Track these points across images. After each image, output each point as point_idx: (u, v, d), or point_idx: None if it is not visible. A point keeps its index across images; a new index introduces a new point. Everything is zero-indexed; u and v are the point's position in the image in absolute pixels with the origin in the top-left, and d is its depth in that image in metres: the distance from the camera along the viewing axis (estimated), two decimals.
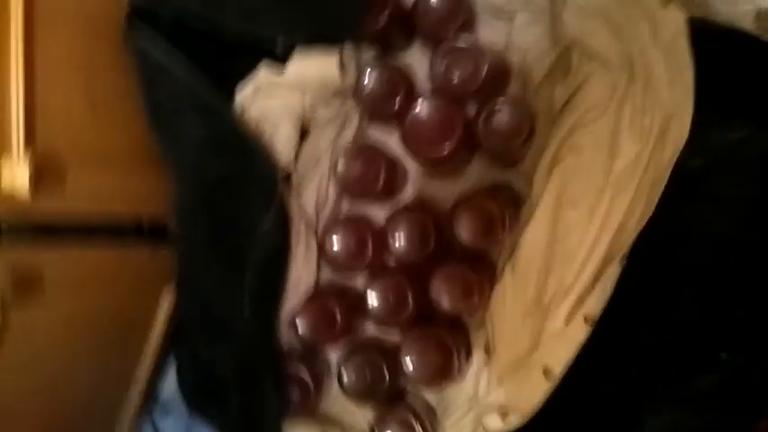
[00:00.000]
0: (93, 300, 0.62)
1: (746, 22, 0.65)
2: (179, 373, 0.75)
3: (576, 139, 0.64)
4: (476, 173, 0.74)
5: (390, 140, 0.74)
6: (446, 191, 0.76)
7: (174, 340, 0.76)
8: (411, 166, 0.75)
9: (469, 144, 0.68)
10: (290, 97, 0.70)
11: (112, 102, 0.60)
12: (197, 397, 0.73)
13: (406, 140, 0.67)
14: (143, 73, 0.60)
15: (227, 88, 0.67)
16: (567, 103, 0.66)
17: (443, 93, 0.67)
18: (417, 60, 0.76)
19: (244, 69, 0.68)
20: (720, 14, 0.65)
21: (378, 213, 0.75)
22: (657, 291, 0.65)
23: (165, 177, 0.65)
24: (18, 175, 0.50)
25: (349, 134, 0.74)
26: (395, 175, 0.72)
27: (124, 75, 0.60)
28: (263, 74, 0.69)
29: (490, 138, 0.65)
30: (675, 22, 0.63)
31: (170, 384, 0.79)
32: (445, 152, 0.66)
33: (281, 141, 0.71)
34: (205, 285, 0.67)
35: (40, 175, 0.50)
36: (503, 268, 0.68)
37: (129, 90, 0.61)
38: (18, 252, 0.54)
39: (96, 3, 0.57)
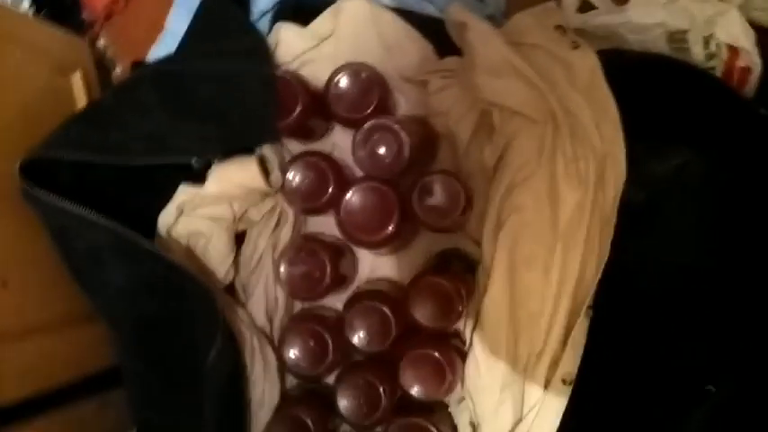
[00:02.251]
0: None
1: (660, 45, 0.64)
2: None
3: (516, 198, 0.62)
4: (423, 243, 0.72)
5: (332, 226, 0.71)
6: (399, 266, 0.73)
7: None
8: (359, 249, 0.72)
9: (410, 218, 0.65)
10: (216, 208, 0.67)
11: (25, 269, 0.56)
12: None
13: (344, 230, 0.65)
14: (52, 230, 0.56)
15: (146, 217, 0.64)
16: (498, 161, 0.64)
17: (372, 176, 0.64)
18: (342, 138, 0.73)
19: (160, 192, 0.65)
20: (632, 43, 0.64)
21: (334, 303, 0.72)
22: (630, 334, 0.63)
23: (101, 325, 0.61)
24: None
25: (287, 231, 0.71)
26: (343, 264, 0.69)
27: (34, 237, 0.56)
28: (183, 192, 0.66)
29: (428, 217, 0.62)
30: (589, 62, 0.61)
31: None
32: (385, 235, 0.63)
33: (216, 253, 0.68)
34: (164, 426, 0.63)
35: None
36: (470, 337, 0.65)
37: (42, 251, 0.57)
38: None
39: None
